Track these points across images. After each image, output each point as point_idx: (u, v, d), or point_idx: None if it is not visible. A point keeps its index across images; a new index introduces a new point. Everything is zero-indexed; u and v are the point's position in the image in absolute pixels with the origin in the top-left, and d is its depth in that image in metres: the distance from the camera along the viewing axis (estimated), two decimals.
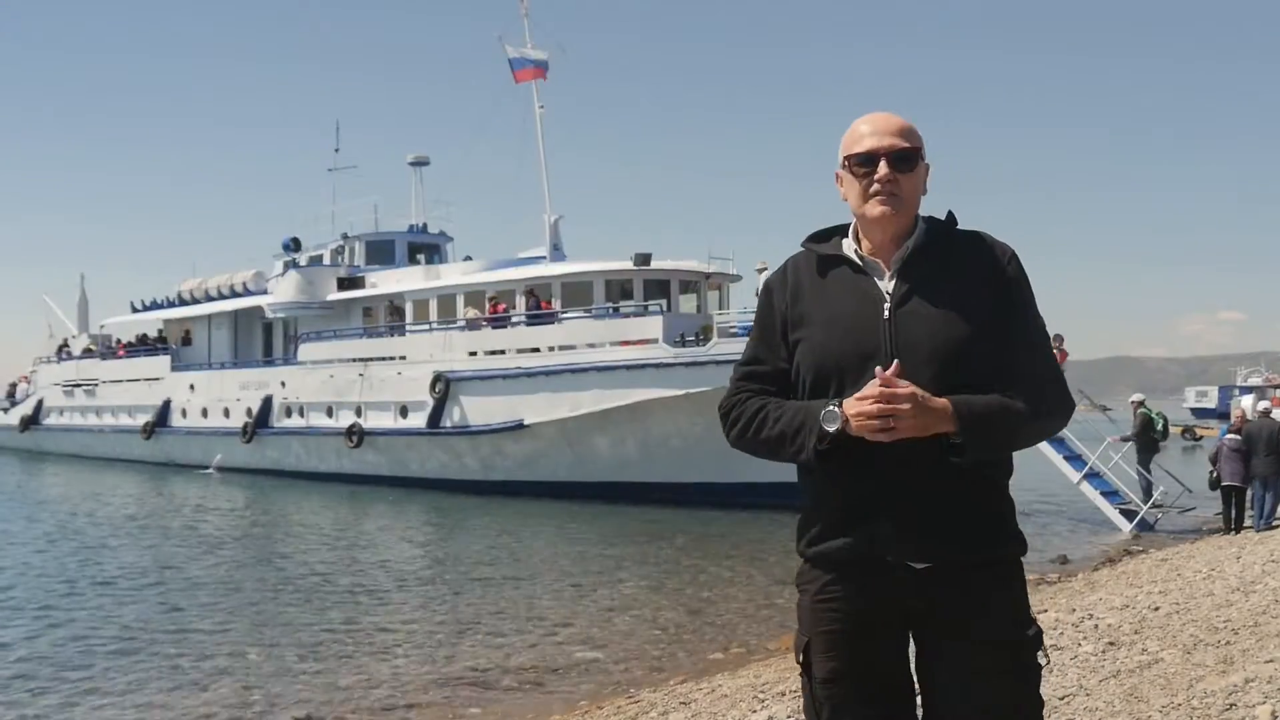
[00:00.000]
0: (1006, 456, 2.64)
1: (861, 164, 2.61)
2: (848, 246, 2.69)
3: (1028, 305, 2.63)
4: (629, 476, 23.98)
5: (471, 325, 27.61)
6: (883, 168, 2.58)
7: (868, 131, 2.63)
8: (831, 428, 2.47)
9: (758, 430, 2.65)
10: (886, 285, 2.61)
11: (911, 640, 2.64)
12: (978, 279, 2.60)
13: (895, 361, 2.46)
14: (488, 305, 27.81)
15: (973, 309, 2.55)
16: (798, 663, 2.70)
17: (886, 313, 2.57)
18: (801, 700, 2.76)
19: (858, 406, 2.43)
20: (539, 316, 26.28)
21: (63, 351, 43.32)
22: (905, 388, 2.41)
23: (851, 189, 2.65)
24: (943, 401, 2.43)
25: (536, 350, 25.51)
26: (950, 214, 2.71)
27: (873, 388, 2.43)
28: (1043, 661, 2.58)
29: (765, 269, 24.11)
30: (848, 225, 2.74)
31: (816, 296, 2.66)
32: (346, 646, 10.62)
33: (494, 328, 27.13)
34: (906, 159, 2.61)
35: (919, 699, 2.68)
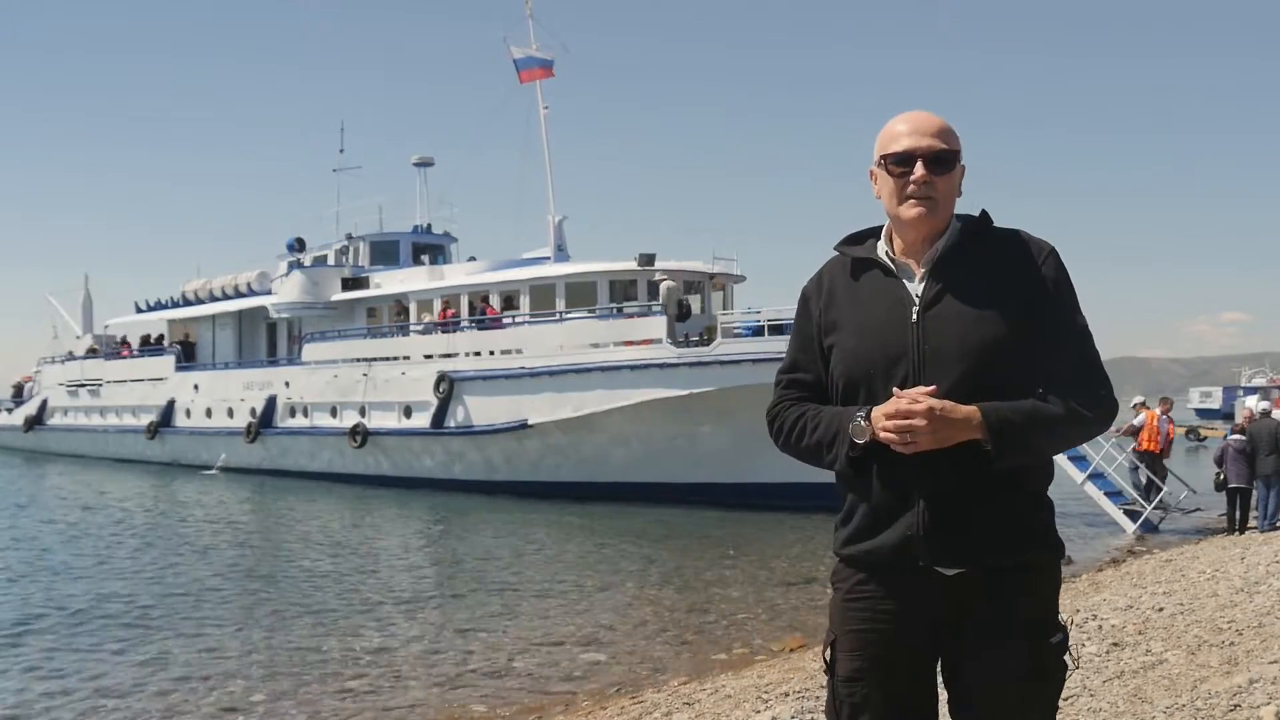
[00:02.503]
0: (1044, 461, 2.60)
1: (897, 164, 2.57)
2: (880, 249, 2.67)
3: (1065, 304, 2.57)
4: (632, 477, 23.97)
5: (427, 329, 28.46)
6: (919, 169, 2.55)
7: (905, 131, 2.58)
8: (860, 440, 2.49)
9: (798, 439, 2.66)
10: (916, 288, 2.58)
11: (939, 642, 2.61)
12: (1011, 279, 2.55)
13: (931, 386, 2.44)
14: (438, 310, 28.87)
15: (1004, 310, 2.50)
16: (824, 660, 2.69)
17: (914, 316, 2.54)
18: (825, 698, 2.74)
19: (879, 420, 2.45)
20: (483, 321, 27.40)
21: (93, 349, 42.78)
22: (922, 404, 2.40)
23: (886, 188, 2.62)
24: (969, 410, 2.41)
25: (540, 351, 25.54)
26: (984, 212, 2.67)
27: (892, 403, 2.43)
28: (1069, 665, 2.55)
29: (665, 280, 24.47)
30: (881, 227, 2.71)
31: (849, 301, 2.65)
32: (349, 647, 10.62)
33: (443, 332, 28.07)
34: (943, 161, 2.57)
35: (943, 703, 2.66)
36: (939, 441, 2.41)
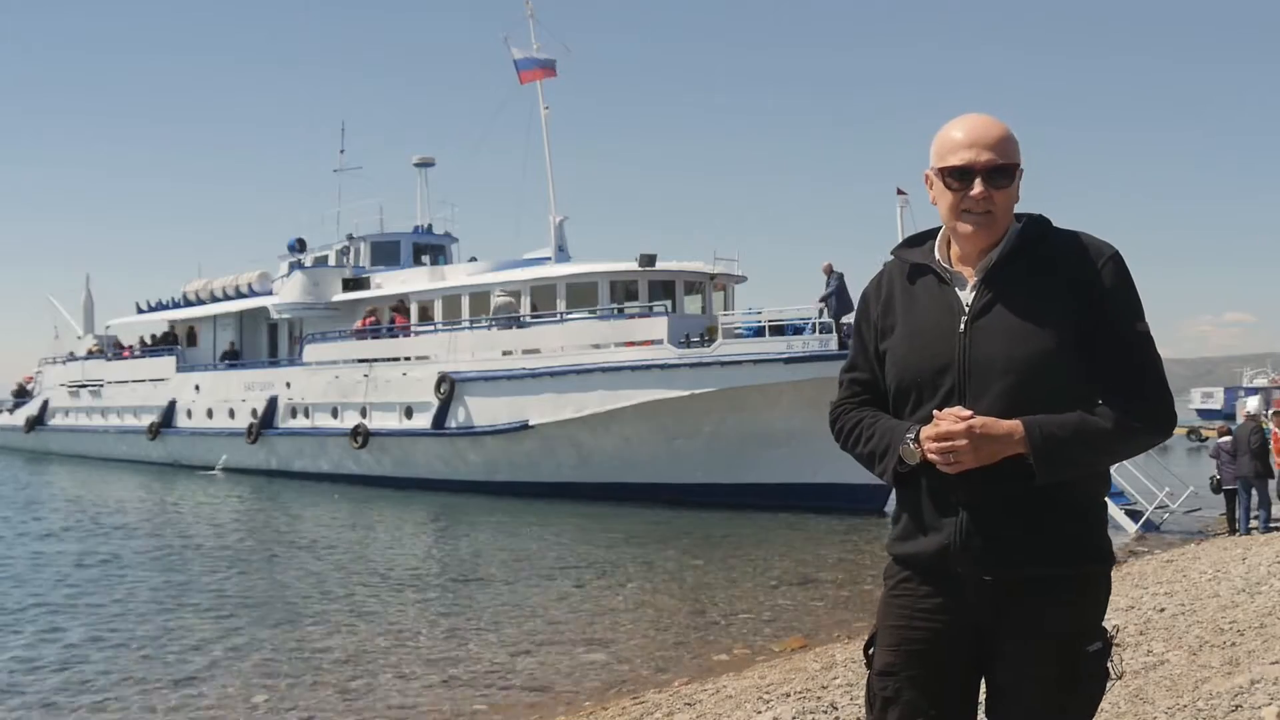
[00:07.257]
0: (1100, 471, 2.58)
1: (955, 178, 2.51)
2: (935, 254, 2.64)
3: (1124, 311, 2.49)
4: (633, 477, 23.98)
5: (359, 335, 29.85)
6: (978, 186, 2.48)
7: (963, 142, 2.51)
8: (911, 463, 2.50)
9: (853, 445, 2.70)
10: (967, 296, 2.54)
11: (977, 643, 2.59)
12: (1066, 286, 2.48)
13: (967, 413, 2.43)
14: (363, 317, 30.54)
15: (1056, 319, 2.44)
16: (864, 654, 2.71)
17: (962, 326, 2.51)
18: (863, 692, 2.76)
19: (926, 442, 2.46)
20: (394, 329, 29.11)
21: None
22: (962, 424, 2.39)
23: (942, 199, 2.55)
24: (1011, 424, 2.38)
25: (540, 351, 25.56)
26: (1043, 216, 2.61)
27: (932, 426, 2.43)
28: (1112, 674, 2.53)
29: (505, 297, 26.04)
30: (939, 229, 2.68)
31: (904, 307, 2.64)
32: (351, 647, 10.62)
33: (357, 338, 29.73)
34: (1004, 173, 2.50)
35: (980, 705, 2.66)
36: (983, 459, 2.40)
